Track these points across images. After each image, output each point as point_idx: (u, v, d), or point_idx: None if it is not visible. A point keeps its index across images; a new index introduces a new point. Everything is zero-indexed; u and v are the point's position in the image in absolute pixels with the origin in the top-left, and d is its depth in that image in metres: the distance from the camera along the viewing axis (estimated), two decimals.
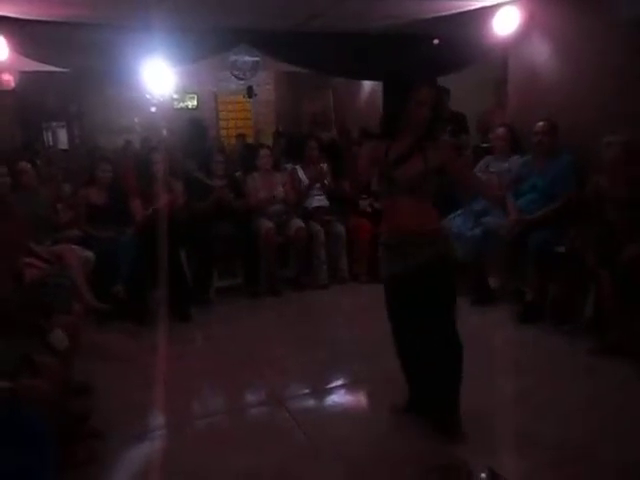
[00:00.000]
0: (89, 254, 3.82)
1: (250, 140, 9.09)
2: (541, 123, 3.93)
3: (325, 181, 5.05)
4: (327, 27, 5.33)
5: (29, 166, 4.23)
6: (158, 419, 2.74)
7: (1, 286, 2.43)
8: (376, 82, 7.46)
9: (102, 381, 3.03)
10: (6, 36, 4.60)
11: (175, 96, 9.90)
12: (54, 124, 9.92)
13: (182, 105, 10.23)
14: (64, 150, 9.16)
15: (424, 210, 2.37)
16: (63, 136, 10.02)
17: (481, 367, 3.03)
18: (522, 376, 2.94)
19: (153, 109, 8.92)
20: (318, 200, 5.05)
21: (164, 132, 8.40)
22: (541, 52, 4.40)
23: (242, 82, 6.71)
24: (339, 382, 3.15)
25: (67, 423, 2.33)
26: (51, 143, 9.68)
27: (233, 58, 5.41)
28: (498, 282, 4.23)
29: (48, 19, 4.59)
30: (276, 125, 10.24)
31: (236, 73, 5.58)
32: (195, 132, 7.13)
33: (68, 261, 3.45)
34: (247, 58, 5.46)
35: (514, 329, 3.70)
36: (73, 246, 3.82)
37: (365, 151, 2.60)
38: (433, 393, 2.44)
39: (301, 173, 5.09)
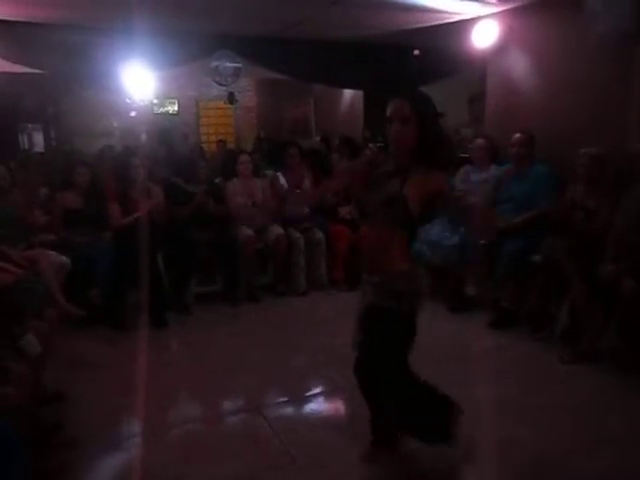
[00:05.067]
0: (64, 259, 3.75)
1: (231, 146, 9.06)
2: (518, 135, 3.99)
3: (304, 187, 5.06)
4: (310, 35, 5.37)
5: (3, 169, 4.15)
6: (133, 427, 2.70)
7: None
8: (357, 91, 7.54)
9: (76, 388, 2.98)
10: None
11: (155, 101, 9.83)
12: (30, 126, 9.73)
13: (162, 110, 10.17)
14: (40, 153, 8.99)
15: (391, 244, 2.00)
16: (39, 139, 9.83)
17: (457, 374, 3.06)
18: (497, 383, 2.96)
19: (133, 113, 8.83)
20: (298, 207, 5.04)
21: (143, 137, 8.32)
22: (519, 65, 4.50)
23: (223, 88, 6.70)
24: (317, 390, 3.15)
25: (38, 431, 2.28)
26: (27, 146, 9.49)
27: (214, 64, 5.40)
28: (475, 290, 4.30)
29: (25, 20, 4.52)
30: (257, 132, 10.24)
31: (217, 79, 5.58)
32: (165, 139, 7.04)
33: (42, 266, 3.38)
34: (228, 64, 5.46)
35: (490, 336, 3.74)
36: (48, 251, 3.75)
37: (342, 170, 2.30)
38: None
39: (282, 180, 5.09)
